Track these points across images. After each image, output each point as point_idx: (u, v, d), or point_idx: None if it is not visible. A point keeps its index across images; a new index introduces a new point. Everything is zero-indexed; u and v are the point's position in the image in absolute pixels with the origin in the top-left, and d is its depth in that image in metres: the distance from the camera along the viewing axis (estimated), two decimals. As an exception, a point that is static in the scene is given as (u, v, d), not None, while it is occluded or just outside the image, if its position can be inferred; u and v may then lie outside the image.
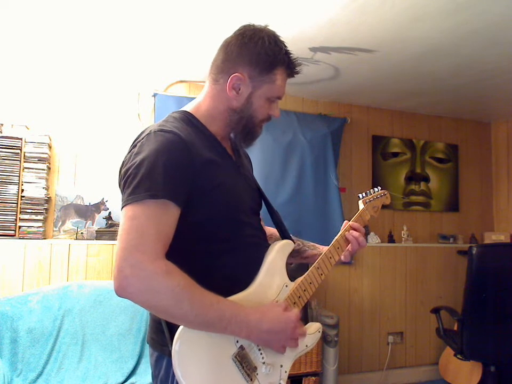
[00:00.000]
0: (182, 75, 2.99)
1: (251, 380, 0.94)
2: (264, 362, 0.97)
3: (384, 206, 1.35)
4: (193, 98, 1.13)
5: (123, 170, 0.95)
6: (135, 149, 0.95)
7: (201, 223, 0.97)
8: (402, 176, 3.69)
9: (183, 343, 0.87)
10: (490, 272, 2.72)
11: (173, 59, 2.69)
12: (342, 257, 1.18)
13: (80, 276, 2.71)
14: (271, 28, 1.12)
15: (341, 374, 3.11)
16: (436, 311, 3.09)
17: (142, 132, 1.01)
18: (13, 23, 2.21)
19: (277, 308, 0.97)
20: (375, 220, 3.50)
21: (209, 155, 0.99)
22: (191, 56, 2.63)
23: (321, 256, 1.14)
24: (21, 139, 2.64)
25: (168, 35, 2.34)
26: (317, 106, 3.44)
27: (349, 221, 1.22)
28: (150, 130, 0.97)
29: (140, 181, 0.87)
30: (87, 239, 2.76)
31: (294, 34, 2.30)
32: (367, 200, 1.26)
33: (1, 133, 2.64)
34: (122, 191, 0.92)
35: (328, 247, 1.17)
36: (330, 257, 1.15)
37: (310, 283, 1.09)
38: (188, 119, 1.04)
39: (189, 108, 1.09)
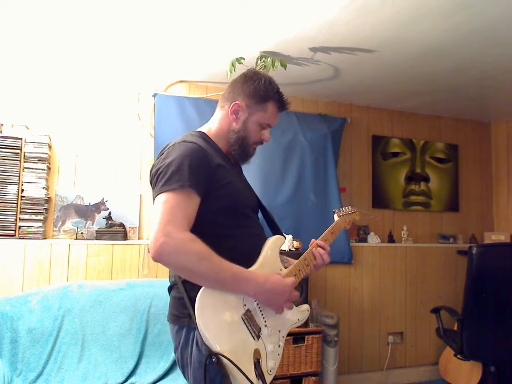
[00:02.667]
0: (182, 75, 2.99)
1: (257, 337, 1.17)
2: (266, 325, 1.21)
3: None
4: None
5: (153, 171, 1.21)
6: (163, 156, 1.22)
7: (216, 211, 1.21)
8: (402, 176, 3.69)
9: (203, 302, 1.09)
10: (490, 272, 2.72)
11: (173, 59, 2.69)
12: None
13: (80, 276, 2.71)
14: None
15: (341, 374, 3.11)
16: (435, 311, 3.09)
17: (167, 144, 1.27)
18: (13, 23, 2.21)
19: (277, 275, 1.22)
20: (375, 220, 3.51)
21: (220, 161, 1.26)
22: (191, 56, 2.63)
23: (308, 249, 1.38)
24: (21, 139, 2.64)
25: (168, 35, 2.34)
26: (317, 106, 3.45)
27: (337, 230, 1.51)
28: (175, 142, 1.24)
29: (171, 175, 1.13)
30: (87, 239, 2.76)
31: (294, 34, 2.30)
32: (341, 215, 1.58)
33: (1, 133, 2.64)
34: (154, 185, 1.18)
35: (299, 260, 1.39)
36: (305, 259, 1.38)
37: (299, 270, 1.34)
38: (202, 136, 1.32)
39: (203, 129, 1.38)
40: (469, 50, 2.46)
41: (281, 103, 1.37)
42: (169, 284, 1.29)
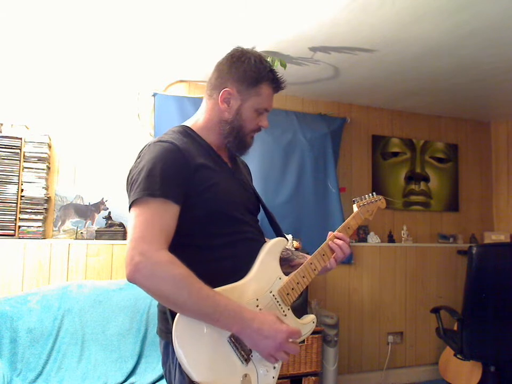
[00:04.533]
0: (181, 75, 2.98)
1: (246, 361, 1.02)
2: None
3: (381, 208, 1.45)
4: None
5: (129, 177, 1.09)
6: (139, 159, 1.10)
7: (199, 219, 1.07)
8: (402, 176, 3.69)
9: (182, 326, 0.95)
10: (490, 272, 2.72)
11: (173, 59, 2.68)
12: (328, 264, 1.26)
13: (80, 276, 2.71)
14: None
15: (340, 374, 3.11)
16: (435, 311, 3.09)
17: (145, 145, 1.14)
18: (13, 23, 2.21)
19: (272, 316, 1.03)
20: (374, 220, 3.50)
21: (203, 161, 1.10)
22: (191, 56, 2.63)
23: (314, 253, 1.22)
24: (21, 139, 2.64)
25: (168, 35, 2.34)
26: (317, 106, 3.44)
27: (345, 224, 1.32)
28: (150, 143, 1.11)
29: (140, 182, 1.01)
30: (86, 239, 2.76)
31: (294, 34, 2.30)
32: (361, 204, 1.36)
33: (1, 132, 2.64)
34: (129, 195, 1.06)
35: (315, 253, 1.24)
36: (323, 254, 1.23)
37: (303, 277, 1.18)
38: (186, 131, 1.17)
39: (188, 123, 1.23)
40: (469, 50, 2.45)
41: (276, 83, 1.20)
42: None
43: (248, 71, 1.16)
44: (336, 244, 1.24)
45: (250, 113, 1.18)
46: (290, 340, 1.02)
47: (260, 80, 1.16)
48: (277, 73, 1.20)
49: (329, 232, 1.27)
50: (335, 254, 1.24)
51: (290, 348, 1.01)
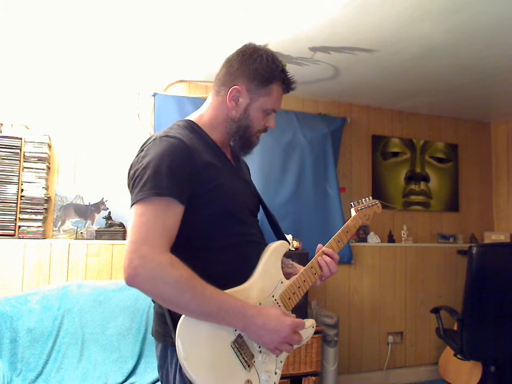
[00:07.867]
0: (181, 75, 2.98)
1: (248, 366, 1.00)
2: (260, 351, 1.03)
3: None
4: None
5: (131, 172, 1.04)
6: (142, 153, 1.04)
7: (203, 220, 1.04)
8: (402, 176, 3.69)
9: (185, 330, 0.94)
10: (490, 272, 2.72)
11: (173, 59, 2.68)
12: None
13: (80, 276, 2.71)
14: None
15: (340, 374, 3.11)
16: (435, 311, 3.09)
17: (149, 138, 1.09)
18: (13, 23, 2.21)
19: (276, 309, 1.02)
20: (374, 220, 3.50)
21: (209, 159, 1.07)
22: (191, 56, 2.63)
23: (314, 257, 1.20)
24: (21, 139, 2.64)
25: (168, 35, 2.34)
26: (317, 106, 3.44)
27: (338, 237, 1.28)
28: (156, 137, 1.05)
29: (146, 180, 0.96)
30: (86, 239, 2.76)
31: (294, 34, 2.30)
32: (359, 208, 1.33)
33: (1, 132, 2.64)
34: (131, 191, 1.00)
35: (304, 267, 1.21)
36: (311, 267, 1.19)
37: (304, 281, 1.16)
38: (191, 126, 1.13)
39: (192, 117, 1.18)
40: (469, 50, 2.45)
41: (288, 84, 1.17)
42: None
43: (260, 69, 1.12)
44: (324, 261, 1.18)
45: (258, 113, 1.14)
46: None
47: (271, 80, 1.13)
48: (289, 74, 1.17)
49: (319, 245, 1.23)
50: (322, 272, 1.19)
51: (294, 340, 1.01)
